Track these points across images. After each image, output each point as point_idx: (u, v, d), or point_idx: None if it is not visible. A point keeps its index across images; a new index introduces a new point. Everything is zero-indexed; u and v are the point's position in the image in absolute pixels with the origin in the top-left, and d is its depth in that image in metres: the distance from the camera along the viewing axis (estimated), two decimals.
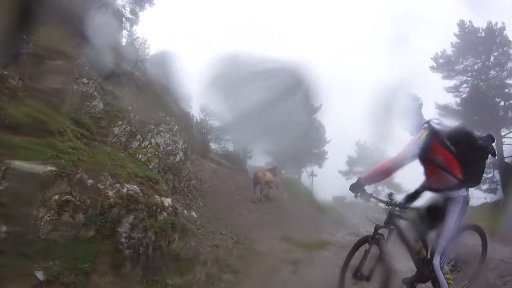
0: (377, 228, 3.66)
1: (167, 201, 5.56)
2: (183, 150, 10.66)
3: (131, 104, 9.12)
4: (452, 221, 3.43)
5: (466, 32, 22.61)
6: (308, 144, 31.16)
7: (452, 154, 3.44)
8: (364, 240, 3.80)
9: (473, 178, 3.54)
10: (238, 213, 11.26)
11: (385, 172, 3.49)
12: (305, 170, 29.33)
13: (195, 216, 7.92)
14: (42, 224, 3.91)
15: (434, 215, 3.58)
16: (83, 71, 7.69)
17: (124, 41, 19.55)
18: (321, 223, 12.52)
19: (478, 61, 22.44)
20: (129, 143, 7.88)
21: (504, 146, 20.66)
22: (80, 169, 4.57)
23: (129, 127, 8.11)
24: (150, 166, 7.71)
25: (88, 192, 4.43)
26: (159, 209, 5.10)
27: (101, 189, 4.64)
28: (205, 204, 10.54)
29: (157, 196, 5.45)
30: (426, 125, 3.51)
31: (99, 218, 4.32)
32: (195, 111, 23.04)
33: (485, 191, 20.78)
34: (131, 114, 8.45)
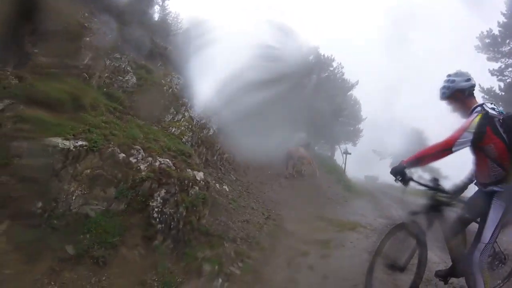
0: (415, 215, 3.39)
1: (199, 175, 5.54)
2: (217, 124, 10.64)
3: (164, 78, 9.14)
4: (496, 217, 3.08)
5: None
6: (343, 121, 30.58)
7: (504, 143, 3.06)
8: (399, 227, 3.57)
9: None
10: (270, 188, 11.25)
11: (432, 158, 3.18)
12: (339, 148, 28.97)
13: (227, 190, 7.93)
14: (74, 198, 3.97)
15: (478, 209, 3.27)
16: (116, 46, 7.72)
17: (156, 16, 19.60)
18: (352, 202, 12.33)
19: None
20: (162, 117, 7.91)
21: None
22: (111, 143, 4.59)
23: (162, 101, 8.14)
24: (183, 140, 7.72)
25: (119, 166, 4.45)
26: (191, 183, 5.08)
27: (132, 162, 4.65)
28: (238, 178, 10.54)
29: (189, 170, 5.44)
30: (479, 108, 3.18)
31: (130, 192, 4.34)
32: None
33: None
34: (164, 88, 8.47)
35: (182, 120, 8.43)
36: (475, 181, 3.48)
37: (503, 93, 21.08)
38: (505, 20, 21.37)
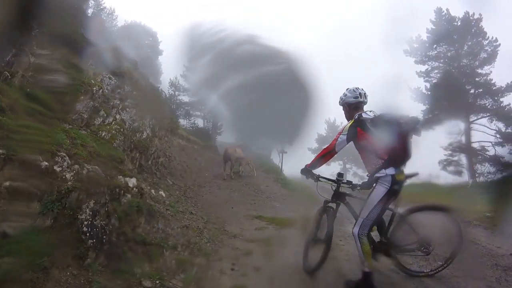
0: (326, 202, 4.42)
1: (132, 182, 5.22)
2: (151, 126, 10.26)
3: (94, 78, 8.56)
4: (375, 198, 3.76)
5: (443, 20, 23.66)
6: (281, 121, 30.89)
7: (374, 137, 3.79)
8: (320, 211, 4.51)
9: (397, 157, 3.78)
10: (208, 191, 11.07)
11: (324, 159, 4.14)
12: (275, 147, 29.31)
13: (163, 195, 7.61)
14: None
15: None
16: (43, 42, 7.04)
17: (90, 11, 18.53)
18: (292, 199, 12.46)
19: (452, 48, 23.49)
20: (92, 120, 7.39)
21: (472, 131, 21.94)
22: (33, 150, 4.14)
23: (92, 103, 7.61)
24: (115, 144, 7.29)
25: (42, 176, 4.01)
26: (122, 191, 4.73)
27: (57, 171, 4.21)
28: (174, 182, 10.25)
29: (120, 176, 5.10)
30: (356, 116, 3.99)
31: (56, 205, 3.89)
32: (164, 86, 22.47)
33: (450, 172, 21.94)
34: (94, 88, 7.91)
35: (113, 123, 7.96)
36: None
37: (429, 93, 23.56)
38: (433, 27, 23.88)
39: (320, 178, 4.31)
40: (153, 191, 7.29)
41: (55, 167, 4.25)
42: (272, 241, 5.85)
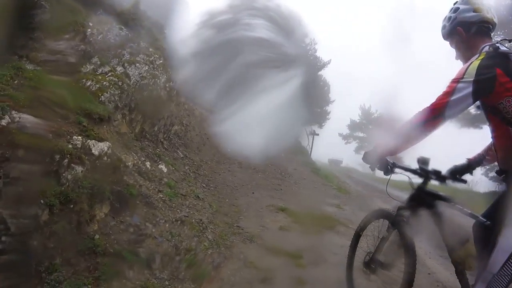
0: (400, 208, 2.51)
1: (100, 147, 3.37)
2: (167, 89, 8.52)
3: (98, 25, 6.84)
4: None
5: None
6: (311, 102, 29.21)
7: None
8: (377, 215, 2.84)
9: None
10: (227, 169, 9.28)
11: (418, 134, 1.95)
12: (305, 129, 27.81)
13: (164, 170, 5.83)
14: None
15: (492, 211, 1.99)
16: None
17: None
18: (323, 190, 10.52)
19: None
20: (79, 66, 5.65)
21: None
22: None
23: (83, 46, 5.86)
24: (102, 98, 5.49)
25: None
26: (66, 161, 2.83)
27: None
28: (187, 156, 8.45)
29: (77, 137, 3.22)
30: (486, 48, 1.89)
31: None
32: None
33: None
34: (89, 30, 6.14)
35: (109, 74, 6.18)
36: (487, 164, 2.42)
37: None
38: None
39: (395, 169, 2.38)
40: (148, 163, 5.48)
41: None
42: (306, 256, 3.84)
